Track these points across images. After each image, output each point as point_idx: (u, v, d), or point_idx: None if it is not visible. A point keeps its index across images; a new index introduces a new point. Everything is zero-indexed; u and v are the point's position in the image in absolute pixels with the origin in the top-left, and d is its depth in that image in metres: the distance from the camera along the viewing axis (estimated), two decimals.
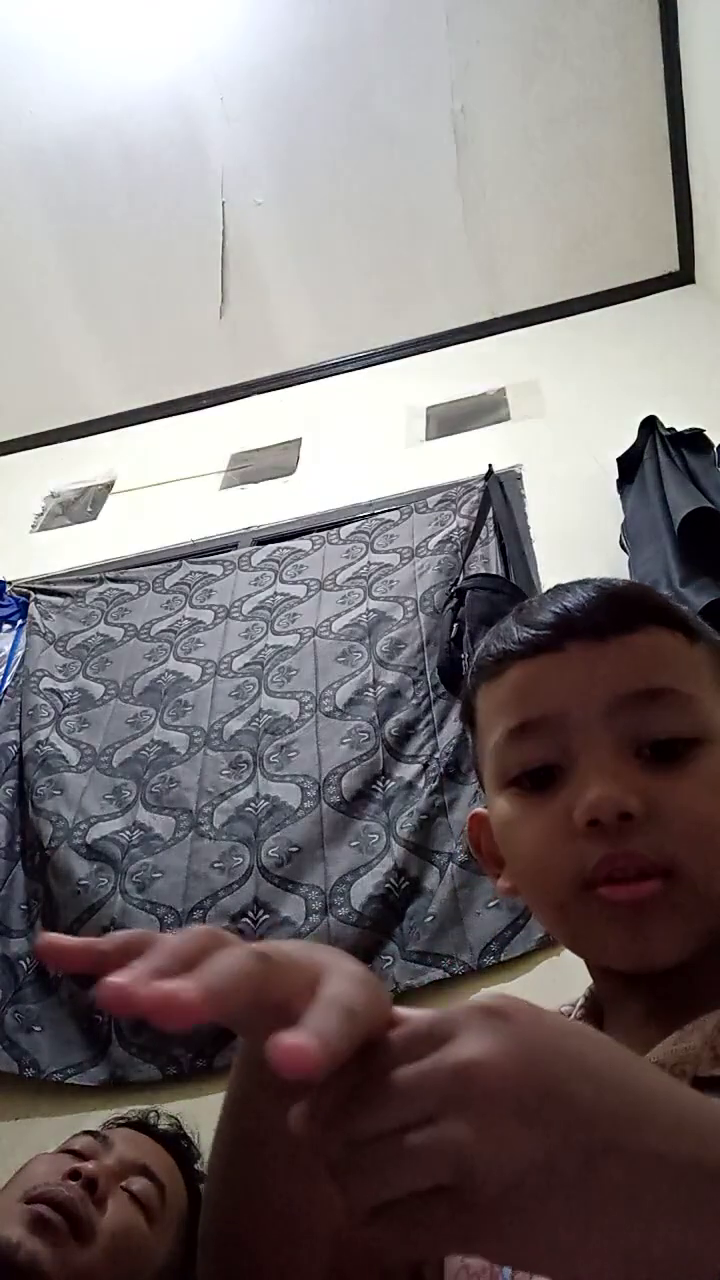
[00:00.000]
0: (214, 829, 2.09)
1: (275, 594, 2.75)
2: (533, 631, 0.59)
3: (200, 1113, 1.08)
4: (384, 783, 2.09)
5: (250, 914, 1.91)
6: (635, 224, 3.61)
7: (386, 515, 2.92)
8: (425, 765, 2.09)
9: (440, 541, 2.68)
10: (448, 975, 1.73)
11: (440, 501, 2.85)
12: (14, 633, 2.89)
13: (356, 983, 0.35)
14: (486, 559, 2.59)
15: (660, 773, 0.54)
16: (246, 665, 2.51)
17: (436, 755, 2.10)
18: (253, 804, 2.11)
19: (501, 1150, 0.31)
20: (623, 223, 3.61)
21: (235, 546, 3.06)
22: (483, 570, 2.52)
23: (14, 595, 2.98)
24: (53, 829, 2.15)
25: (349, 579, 2.70)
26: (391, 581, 2.63)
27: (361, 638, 2.47)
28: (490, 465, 2.89)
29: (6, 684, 2.70)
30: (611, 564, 2.31)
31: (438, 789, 2.03)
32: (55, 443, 4.03)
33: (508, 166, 3.53)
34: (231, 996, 0.33)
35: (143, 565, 3.07)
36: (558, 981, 1.55)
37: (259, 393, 3.91)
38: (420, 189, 3.57)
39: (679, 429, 2.52)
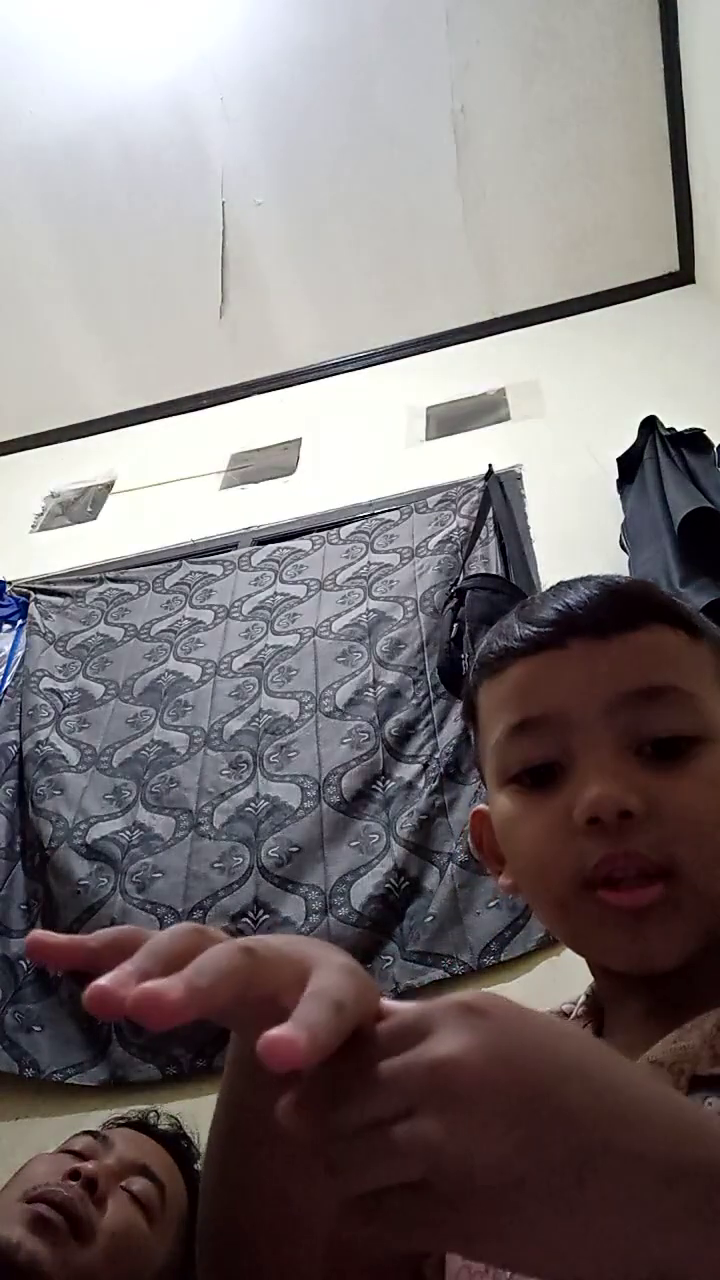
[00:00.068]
0: (214, 829, 2.09)
1: (275, 594, 2.75)
2: (535, 629, 0.59)
3: (200, 1113, 1.08)
4: (384, 783, 2.09)
5: (250, 914, 1.91)
6: (635, 224, 3.61)
7: (386, 515, 2.91)
8: (425, 765, 2.09)
9: (440, 541, 2.68)
10: (448, 975, 1.73)
11: (440, 501, 2.85)
12: (14, 633, 2.89)
13: (344, 974, 0.35)
14: (486, 559, 2.59)
15: (661, 771, 0.54)
16: (246, 665, 2.51)
17: (436, 755, 2.10)
18: (253, 804, 2.11)
19: (474, 1148, 0.31)
20: (623, 223, 3.61)
21: (235, 546, 3.06)
22: (483, 570, 2.52)
23: (14, 595, 2.98)
24: (53, 829, 2.15)
25: (349, 579, 2.70)
26: (391, 581, 2.63)
27: (361, 638, 2.47)
28: (490, 465, 2.88)
29: (6, 684, 2.70)
30: (611, 564, 2.30)
31: (438, 789, 2.03)
32: (55, 443, 4.03)
33: (508, 166, 3.53)
34: (217, 994, 0.33)
35: (143, 565, 3.07)
36: (558, 981, 1.55)
37: (259, 393, 3.91)
38: (420, 189, 3.57)
39: (679, 429, 2.52)
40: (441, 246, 3.67)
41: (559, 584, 0.63)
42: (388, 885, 1.87)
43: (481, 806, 0.65)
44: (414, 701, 2.24)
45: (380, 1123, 0.32)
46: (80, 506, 3.63)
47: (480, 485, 2.82)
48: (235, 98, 3.41)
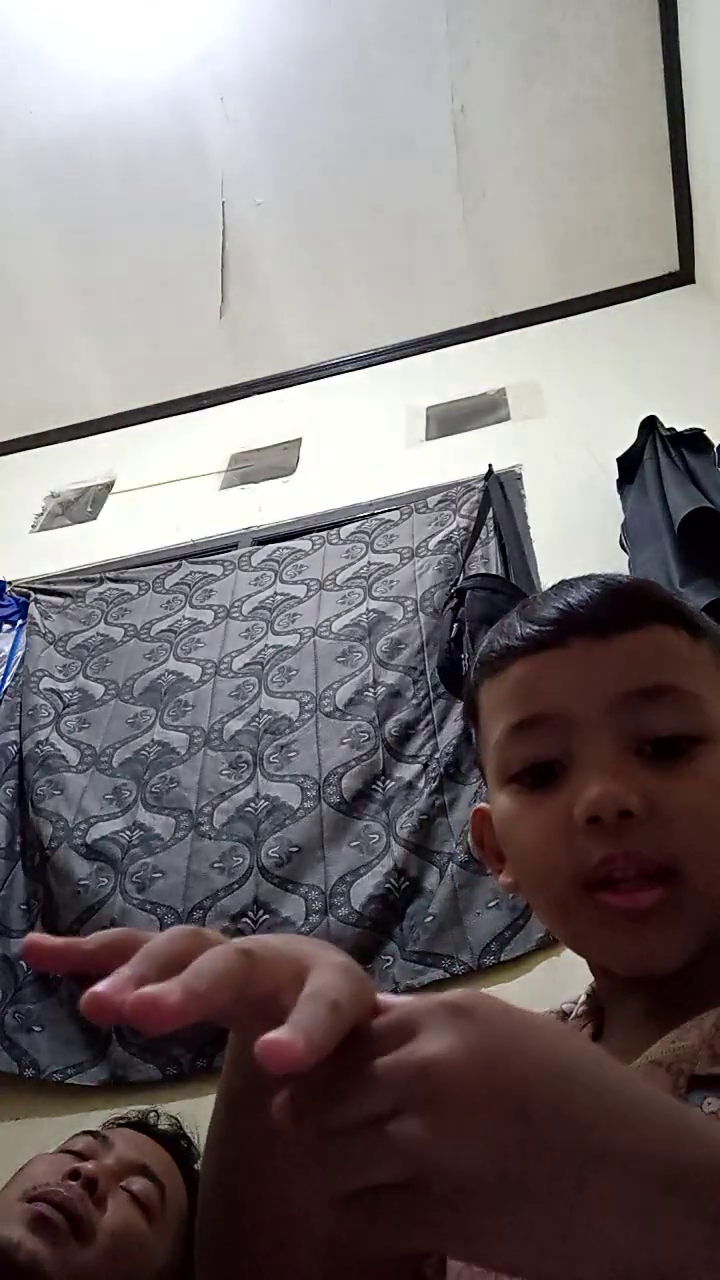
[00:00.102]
0: (214, 829, 2.09)
1: (275, 594, 2.75)
2: (536, 628, 0.59)
3: (200, 1113, 1.08)
4: (384, 783, 2.09)
5: (250, 914, 1.91)
6: (635, 224, 3.61)
7: (386, 515, 2.91)
8: (425, 765, 2.09)
9: (440, 541, 2.68)
10: (448, 975, 1.73)
11: (440, 501, 2.85)
12: (14, 633, 2.89)
13: (341, 973, 0.35)
14: (486, 559, 2.59)
15: (662, 771, 0.54)
16: (246, 665, 2.51)
17: (436, 755, 2.10)
18: (253, 804, 2.11)
19: (459, 1147, 0.31)
20: (623, 223, 3.61)
21: (235, 546, 3.06)
22: (483, 570, 2.52)
23: (14, 595, 2.98)
24: (53, 829, 2.15)
25: (349, 579, 2.70)
26: (391, 581, 2.63)
27: (361, 638, 2.47)
28: (490, 465, 2.88)
29: (6, 684, 2.70)
30: (611, 564, 2.30)
31: (438, 789, 2.03)
32: (55, 443, 4.03)
33: (508, 166, 3.53)
34: (215, 997, 0.33)
35: (143, 565, 3.07)
36: (557, 981, 1.55)
37: (259, 393, 3.91)
38: (420, 189, 3.57)
39: (679, 429, 2.52)
40: (441, 246, 3.67)
41: (561, 583, 0.62)
42: (388, 885, 1.87)
43: (483, 805, 0.64)
44: (414, 701, 2.24)
45: (369, 1121, 0.32)
46: (80, 506, 3.63)
47: (480, 485, 2.82)
48: (235, 98, 3.41)
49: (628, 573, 2.25)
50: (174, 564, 3.01)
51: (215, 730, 2.33)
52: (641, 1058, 0.51)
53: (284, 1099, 0.34)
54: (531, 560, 2.55)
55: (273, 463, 3.48)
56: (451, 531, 2.70)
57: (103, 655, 2.70)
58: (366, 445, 3.36)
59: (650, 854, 0.52)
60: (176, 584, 2.92)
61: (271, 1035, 0.30)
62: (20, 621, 2.91)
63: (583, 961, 0.60)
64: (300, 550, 2.90)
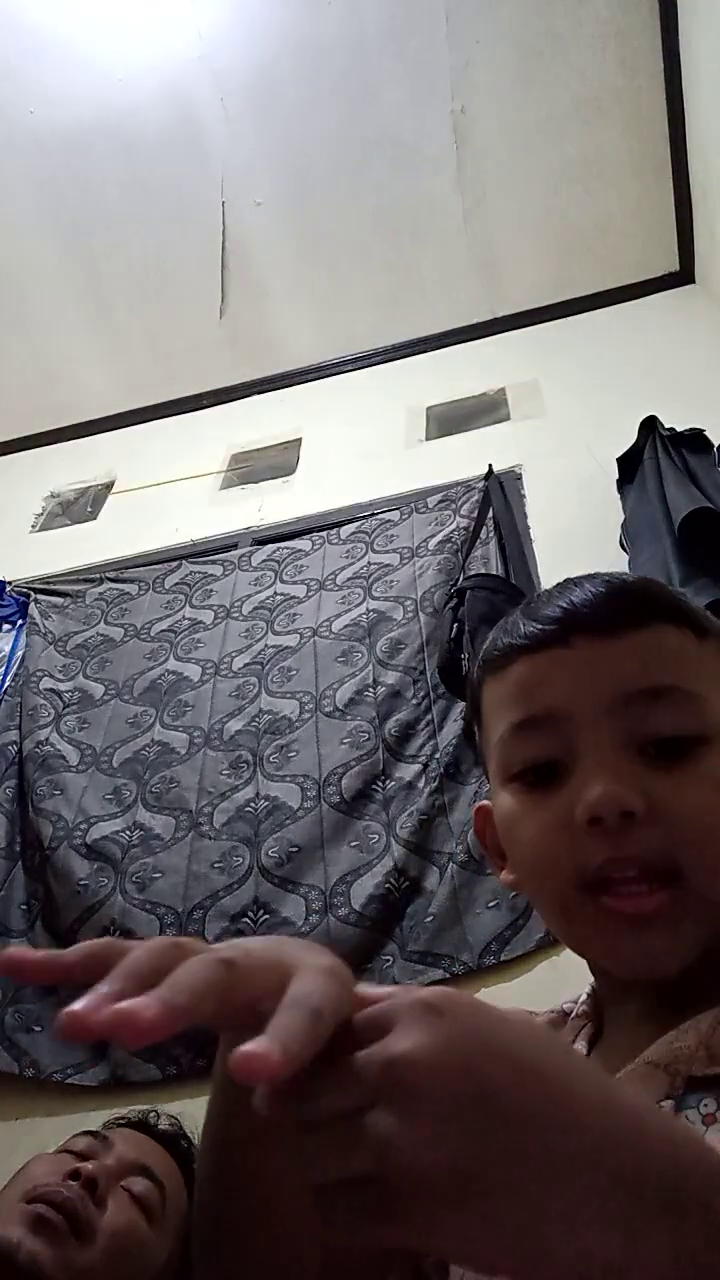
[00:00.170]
0: (214, 829, 2.08)
1: (275, 594, 2.75)
2: (539, 626, 0.59)
3: (200, 1113, 1.07)
4: (384, 783, 2.09)
5: (250, 914, 1.91)
6: (635, 224, 3.61)
7: (386, 515, 2.91)
8: (425, 765, 2.09)
9: (440, 541, 2.68)
10: (448, 975, 1.73)
11: (440, 501, 2.85)
12: (14, 633, 2.89)
13: (324, 978, 0.36)
14: (486, 559, 2.59)
15: (664, 772, 0.53)
16: (246, 665, 2.51)
17: (436, 755, 2.10)
18: (253, 804, 2.11)
19: (421, 1144, 0.31)
20: (623, 223, 3.61)
21: (235, 547, 3.06)
22: (483, 570, 2.52)
23: (14, 595, 2.98)
24: (53, 829, 2.15)
25: (349, 579, 2.70)
26: (391, 582, 2.63)
27: (361, 638, 2.47)
28: (490, 465, 2.88)
29: (6, 684, 2.70)
30: (611, 564, 2.30)
31: (438, 789, 2.03)
32: (55, 443, 4.03)
33: (508, 166, 3.53)
34: (194, 1009, 0.33)
35: (143, 565, 3.07)
36: (558, 981, 1.55)
37: (259, 393, 3.91)
38: (420, 189, 3.57)
39: (679, 429, 2.52)
40: (441, 246, 3.67)
41: (564, 581, 0.62)
42: (388, 885, 1.87)
43: (485, 802, 0.64)
44: (414, 701, 2.24)
45: (343, 1114, 0.33)
46: (80, 506, 3.63)
47: (480, 485, 2.82)
48: (235, 98, 3.41)
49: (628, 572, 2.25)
50: (174, 564, 3.01)
51: (215, 730, 2.33)
52: (639, 1059, 0.51)
53: (264, 1092, 0.34)
54: (531, 560, 2.55)
55: (273, 463, 3.48)
56: (451, 531, 2.70)
57: (103, 655, 2.70)
58: (366, 445, 3.36)
59: (652, 855, 0.52)
60: (176, 584, 2.92)
61: (247, 1047, 0.31)
62: (20, 621, 2.91)
63: (583, 961, 0.60)
64: (300, 550, 2.90)
